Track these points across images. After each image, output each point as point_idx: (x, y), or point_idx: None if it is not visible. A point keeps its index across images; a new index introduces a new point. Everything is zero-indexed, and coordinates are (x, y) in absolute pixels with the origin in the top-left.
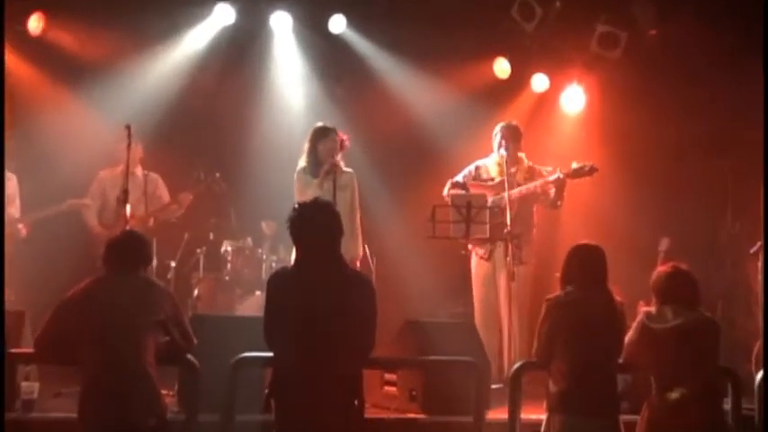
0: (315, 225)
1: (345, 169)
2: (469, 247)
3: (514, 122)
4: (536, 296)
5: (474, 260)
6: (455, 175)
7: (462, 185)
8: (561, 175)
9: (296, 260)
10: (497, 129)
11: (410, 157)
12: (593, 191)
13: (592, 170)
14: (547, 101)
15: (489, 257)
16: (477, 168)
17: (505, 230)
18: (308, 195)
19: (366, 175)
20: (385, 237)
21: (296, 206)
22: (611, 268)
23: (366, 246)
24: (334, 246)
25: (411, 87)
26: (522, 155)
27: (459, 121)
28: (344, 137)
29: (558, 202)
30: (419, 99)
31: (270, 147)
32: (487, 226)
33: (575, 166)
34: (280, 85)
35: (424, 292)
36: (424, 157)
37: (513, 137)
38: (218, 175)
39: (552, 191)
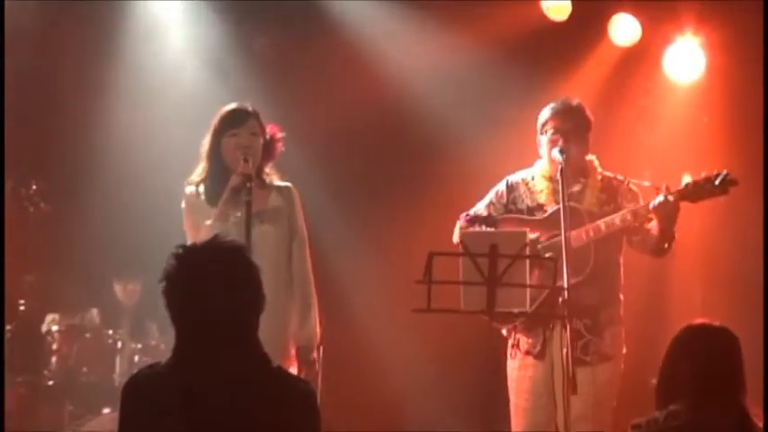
0: (207, 290)
1: (278, 183)
2: (503, 331)
3: (576, 101)
4: (621, 414)
5: (514, 358)
6: (472, 200)
7: (486, 220)
8: (670, 198)
9: (174, 354)
10: (545, 113)
11: (392, 163)
12: (725, 212)
13: (726, 185)
14: (638, 62)
15: (542, 352)
16: (511, 188)
17: (560, 299)
18: (204, 233)
19: (316, 196)
20: (345, 308)
21: (177, 253)
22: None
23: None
24: (244, 329)
25: (397, 40)
26: (592, 159)
27: (479, 98)
28: (274, 132)
29: (666, 245)
30: (410, 61)
31: (136, 149)
32: (527, 293)
33: (689, 180)
34: (150, 52)
35: (418, 407)
36: (417, 165)
37: (575, 128)
38: (34, 187)
39: (653, 226)
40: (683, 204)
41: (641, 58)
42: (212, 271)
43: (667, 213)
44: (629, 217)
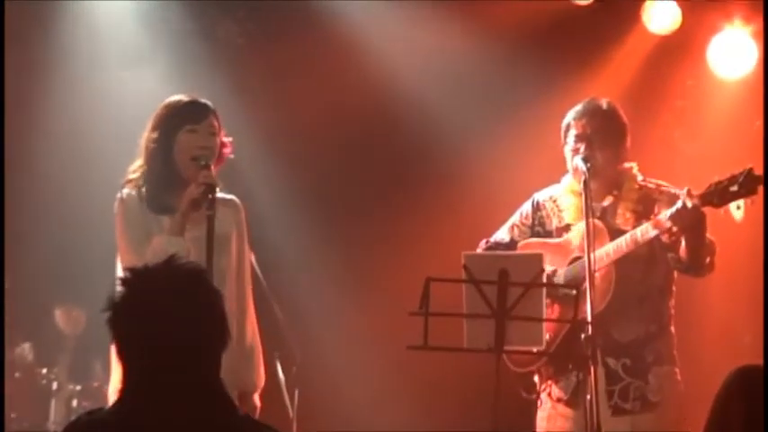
0: (162, 322)
1: (221, 195)
2: (534, 379)
3: (606, 102)
4: None
5: (543, 408)
6: (476, 217)
7: (509, 246)
8: (688, 203)
9: (120, 398)
10: (567, 118)
11: (381, 171)
12: None
13: (751, 183)
14: (677, 54)
15: (574, 398)
16: (537, 207)
17: (583, 335)
18: (151, 253)
19: (284, 211)
20: (321, 346)
21: (125, 277)
22: None
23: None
24: (206, 369)
25: (388, 29)
26: (631, 167)
27: (486, 99)
28: (225, 138)
29: (702, 260)
30: (402, 52)
31: (80, 151)
32: (543, 328)
33: (708, 185)
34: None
35: None
36: (411, 174)
37: (600, 131)
38: None
39: (680, 241)
40: (711, 211)
41: (681, 49)
42: (169, 299)
43: (689, 222)
44: (650, 230)
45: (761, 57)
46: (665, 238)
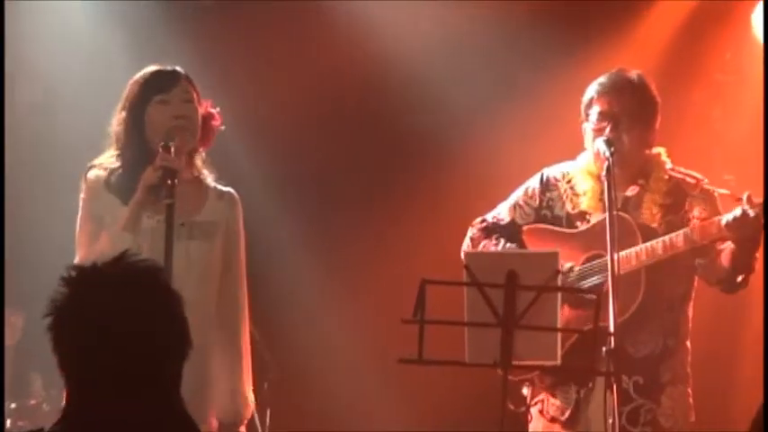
0: (111, 329)
1: (218, 186)
2: (524, 391)
3: (636, 74)
4: None
5: (534, 425)
6: (484, 210)
7: (508, 229)
8: (751, 212)
9: (63, 417)
10: (590, 91)
11: (377, 161)
12: None
13: None
14: (715, 21)
15: (574, 418)
16: (547, 185)
17: (604, 349)
18: (104, 246)
19: (266, 206)
20: (305, 358)
21: (68, 276)
22: None
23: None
24: (162, 383)
25: None
26: (659, 152)
27: (497, 73)
28: (211, 109)
29: (740, 277)
30: (403, 24)
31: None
32: (558, 339)
33: None
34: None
35: None
36: (410, 163)
37: (630, 110)
38: None
39: (727, 248)
40: None
41: (721, 15)
42: (118, 302)
43: (747, 233)
44: (695, 236)
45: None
46: (706, 242)
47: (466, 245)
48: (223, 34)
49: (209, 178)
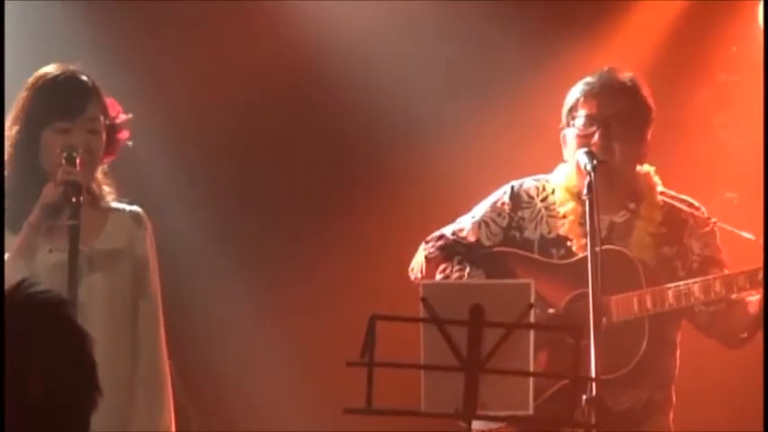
0: (8, 373)
1: (119, 204)
2: None
3: (629, 76)
4: None
5: None
6: (448, 215)
7: (473, 250)
8: None
9: None
10: (576, 91)
11: (323, 164)
12: None
13: None
14: (719, 13)
15: None
16: (518, 200)
17: (584, 397)
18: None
19: (190, 221)
20: (227, 400)
21: None
22: None
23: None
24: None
25: None
26: (648, 171)
27: (465, 63)
28: (114, 114)
29: (745, 334)
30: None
31: None
32: (530, 385)
33: None
34: None
35: None
36: (363, 168)
37: (622, 116)
38: None
39: (744, 300)
40: None
41: (724, 7)
42: (12, 341)
43: None
44: (716, 287)
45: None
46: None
47: (418, 264)
48: (145, 30)
49: (110, 196)
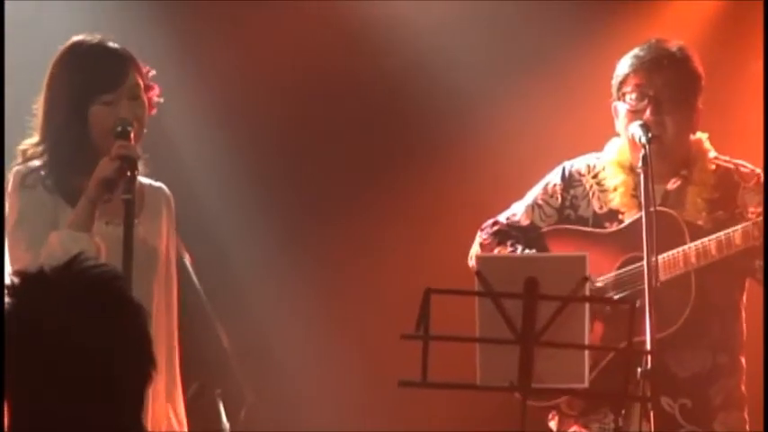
0: (64, 346)
1: (147, 180)
2: (551, 424)
3: (677, 46)
4: None
5: None
6: (502, 201)
7: (527, 233)
8: None
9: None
10: (624, 65)
11: (367, 151)
12: None
13: None
14: None
15: None
16: (570, 180)
17: (639, 370)
18: (46, 253)
19: (219, 202)
20: (277, 376)
21: (13, 284)
22: None
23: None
24: (127, 408)
25: None
26: (701, 139)
27: (510, 50)
28: (150, 92)
29: None
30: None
31: None
32: (586, 358)
33: None
34: None
35: None
36: (408, 155)
37: (672, 89)
38: None
39: None
40: None
41: None
42: (73, 314)
43: None
44: (756, 232)
45: None
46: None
47: (474, 252)
48: (201, 29)
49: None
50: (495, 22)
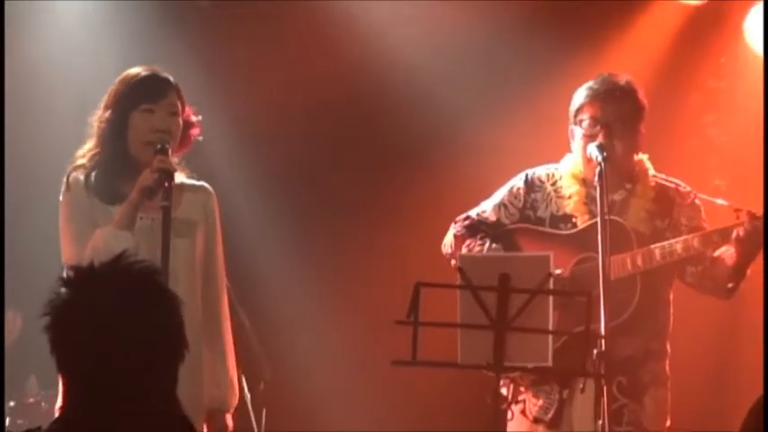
0: (110, 330)
1: (189, 181)
2: (503, 390)
3: (625, 80)
4: None
5: (517, 425)
6: (473, 200)
7: (494, 228)
8: (759, 225)
9: (61, 416)
10: (581, 96)
11: (366, 161)
12: None
13: None
14: (709, 26)
15: (557, 418)
16: (531, 185)
17: (595, 352)
18: (91, 248)
19: (242, 203)
20: (290, 355)
21: (66, 276)
22: None
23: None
24: (160, 384)
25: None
26: (642, 159)
27: (488, 75)
28: (189, 115)
29: (730, 284)
30: (389, 19)
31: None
32: (550, 341)
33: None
34: None
35: None
36: (401, 164)
37: (621, 116)
38: None
39: (724, 254)
40: None
41: (714, 21)
42: (117, 304)
43: (755, 245)
44: (695, 244)
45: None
46: (710, 252)
47: (449, 241)
48: (217, 33)
49: (182, 175)
50: (482, 53)
